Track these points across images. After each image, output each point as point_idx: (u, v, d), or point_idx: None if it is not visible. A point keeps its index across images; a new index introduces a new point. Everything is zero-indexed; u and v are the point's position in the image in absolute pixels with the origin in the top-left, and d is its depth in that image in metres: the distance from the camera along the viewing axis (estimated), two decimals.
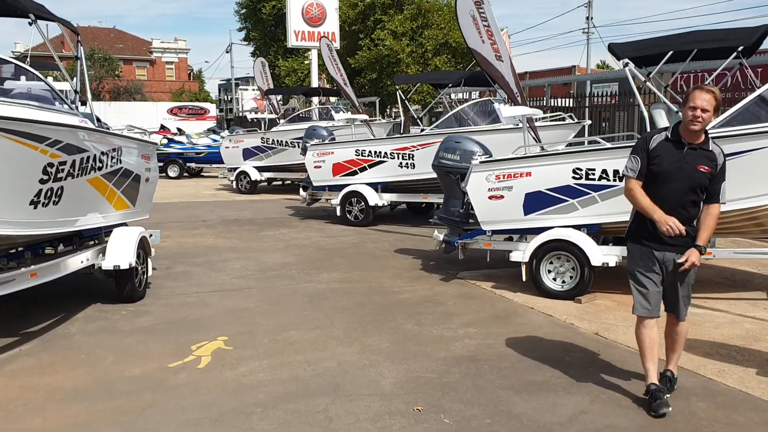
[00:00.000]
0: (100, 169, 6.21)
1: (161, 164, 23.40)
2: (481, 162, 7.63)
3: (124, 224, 7.73)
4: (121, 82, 56.28)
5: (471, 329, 6.10)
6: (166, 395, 4.59)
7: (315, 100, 25.18)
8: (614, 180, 6.79)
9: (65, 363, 5.20)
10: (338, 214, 12.20)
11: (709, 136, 4.27)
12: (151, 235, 8.23)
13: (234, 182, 18.25)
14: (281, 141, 17.28)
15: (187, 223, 12.79)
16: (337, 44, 27.17)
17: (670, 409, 4.26)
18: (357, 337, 5.86)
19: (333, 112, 18.17)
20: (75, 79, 6.55)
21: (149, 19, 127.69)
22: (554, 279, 7.19)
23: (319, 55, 22.02)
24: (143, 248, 7.22)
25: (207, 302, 7.05)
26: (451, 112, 12.20)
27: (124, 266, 6.58)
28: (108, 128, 22.72)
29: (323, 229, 11.99)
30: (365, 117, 13.67)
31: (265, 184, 18.86)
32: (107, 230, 7.07)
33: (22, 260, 6.17)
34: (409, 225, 12.12)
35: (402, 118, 17.43)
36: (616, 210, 6.86)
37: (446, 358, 5.34)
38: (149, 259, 7.41)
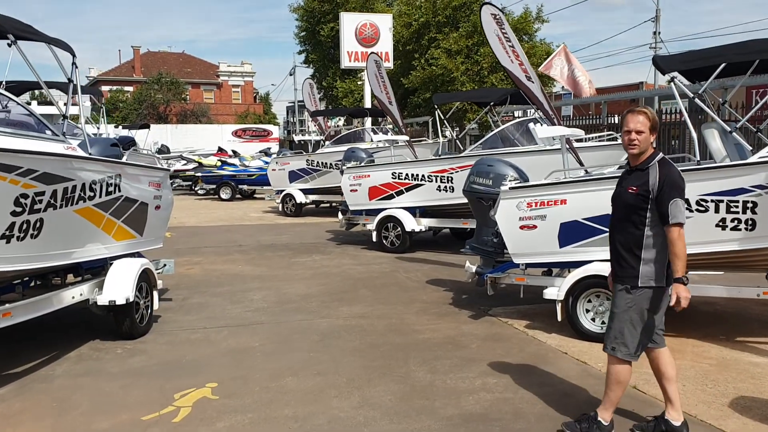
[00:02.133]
0: (91, 198, 5.83)
1: (214, 186, 23.58)
2: (510, 188, 6.92)
3: (138, 254, 7.39)
4: (188, 105, 57.62)
5: (490, 379, 5.38)
6: None
7: (368, 121, 24.88)
8: None
9: (34, 412, 4.77)
10: (374, 239, 11.63)
11: (657, 155, 4.05)
12: (164, 265, 7.90)
13: (280, 205, 17.98)
14: (326, 163, 16.90)
15: (222, 248, 12.47)
16: (390, 64, 26.87)
17: None
18: (359, 387, 5.23)
19: (372, 134, 17.67)
20: (67, 103, 6.21)
21: (221, 44, 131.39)
22: (593, 319, 6.39)
23: None
24: (147, 281, 6.81)
25: (211, 340, 6.57)
26: (494, 131, 11.49)
27: (121, 302, 6.17)
28: (167, 152, 22.79)
29: (357, 255, 11.43)
30: (406, 138, 13.10)
31: (313, 206, 18.55)
32: (113, 261, 6.69)
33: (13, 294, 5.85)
34: (448, 252, 11.40)
35: (447, 138, 16.71)
36: None
37: (453, 416, 4.65)
38: (155, 292, 6.99)
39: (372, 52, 17.04)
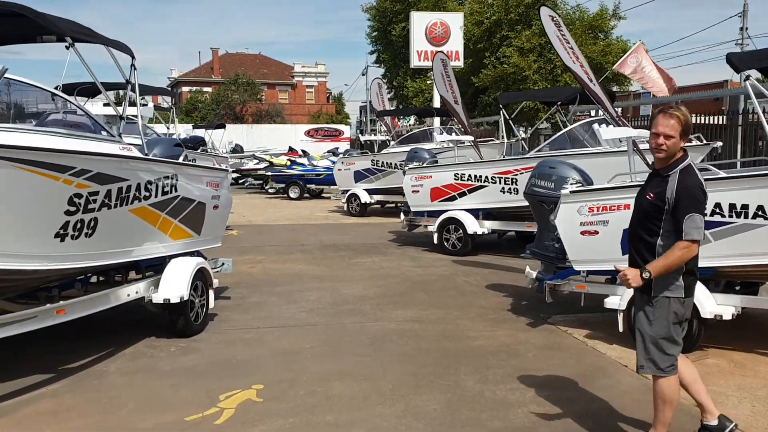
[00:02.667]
0: (146, 198, 5.91)
1: (283, 185, 23.89)
2: (571, 192, 6.64)
3: (198, 253, 7.48)
4: (263, 106, 58.83)
5: (543, 391, 5.15)
6: None
7: (436, 121, 24.67)
8: (731, 216, 5.60)
9: (83, 409, 4.85)
10: (435, 242, 11.46)
11: (684, 159, 3.79)
12: (222, 264, 7.97)
13: (345, 204, 18.03)
14: (391, 163, 16.83)
15: (284, 247, 12.57)
16: (460, 63, 26.57)
17: None
18: (405, 395, 5.10)
19: (436, 134, 17.46)
20: (123, 104, 6.32)
21: (296, 45, 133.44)
22: None
23: None
24: (203, 280, 6.87)
25: (263, 340, 6.58)
26: (561, 132, 11.12)
27: (175, 300, 6.25)
28: (241, 151, 23.34)
29: (417, 257, 11.29)
30: (471, 138, 12.86)
31: (378, 206, 18.53)
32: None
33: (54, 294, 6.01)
34: (512, 256, 11.09)
35: (517, 138, 16.31)
36: (735, 251, 5.70)
37: (499, 429, 4.46)
38: (210, 291, 7.05)
39: (439, 51, 16.82)
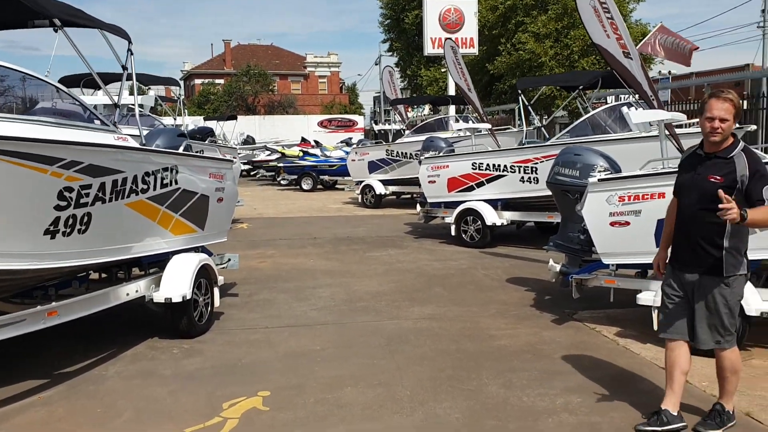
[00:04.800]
0: (144, 191, 5.53)
1: (295, 177, 23.51)
2: (599, 180, 6.19)
3: (203, 249, 7.11)
4: (276, 97, 58.46)
5: (574, 397, 4.73)
6: None
7: (452, 109, 24.18)
8: None
9: (75, 418, 4.49)
10: (453, 234, 11.03)
11: (738, 143, 3.90)
12: (229, 260, 7.60)
13: (359, 196, 17.62)
14: (405, 153, 16.38)
15: (296, 240, 12.19)
16: (475, 50, 26.02)
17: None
18: (424, 402, 4.69)
19: (451, 122, 16.99)
20: (119, 93, 5.93)
21: (310, 36, 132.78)
22: None
23: None
24: (207, 277, 6.50)
25: (271, 341, 6.19)
26: (583, 118, 10.63)
27: (177, 299, 5.88)
28: (252, 142, 22.81)
29: (435, 250, 10.86)
30: (489, 126, 12.39)
31: (394, 197, 18.11)
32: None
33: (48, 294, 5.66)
34: (532, 247, 10.65)
35: (533, 126, 15.80)
36: None
37: None
38: (215, 289, 6.68)
39: (448, 38, 16.37)
